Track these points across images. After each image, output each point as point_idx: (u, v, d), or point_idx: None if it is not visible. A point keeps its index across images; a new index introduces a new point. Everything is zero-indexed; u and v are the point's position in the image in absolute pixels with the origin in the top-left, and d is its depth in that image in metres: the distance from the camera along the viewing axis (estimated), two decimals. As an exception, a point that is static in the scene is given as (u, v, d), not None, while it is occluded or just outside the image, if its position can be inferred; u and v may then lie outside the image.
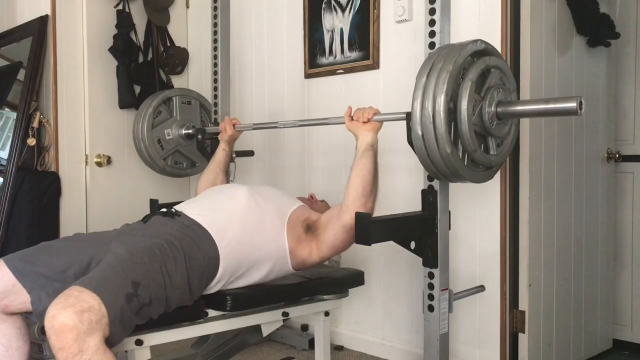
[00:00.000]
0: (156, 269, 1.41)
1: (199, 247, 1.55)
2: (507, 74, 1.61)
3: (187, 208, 1.70)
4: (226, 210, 1.67)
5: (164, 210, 1.68)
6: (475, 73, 1.48)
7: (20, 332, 1.50)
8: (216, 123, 2.58)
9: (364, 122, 1.70)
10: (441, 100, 1.42)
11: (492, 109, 1.52)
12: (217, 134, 2.31)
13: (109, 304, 1.26)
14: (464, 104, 1.45)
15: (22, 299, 1.46)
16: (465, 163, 1.52)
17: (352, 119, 1.74)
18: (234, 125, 2.24)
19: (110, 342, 1.27)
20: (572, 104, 1.37)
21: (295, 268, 1.71)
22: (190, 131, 2.64)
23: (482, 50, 1.55)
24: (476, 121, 1.50)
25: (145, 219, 1.70)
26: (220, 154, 2.24)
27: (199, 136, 2.51)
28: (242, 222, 1.64)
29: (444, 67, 1.45)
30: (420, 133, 1.47)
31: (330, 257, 1.70)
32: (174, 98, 2.68)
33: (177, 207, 1.71)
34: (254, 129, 2.30)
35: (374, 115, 1.70)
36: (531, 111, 1.57)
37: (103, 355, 1.22)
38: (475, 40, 1.53)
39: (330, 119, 1.95)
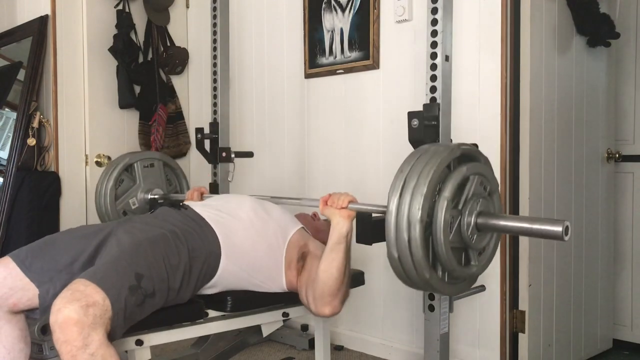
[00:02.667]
0: (159, 261, 1.42)
1: (203, 241, 1.56)
2: (488, 176, 1.48)
3: (195, 205, 1.71)
4: (232, 215, 1.68)
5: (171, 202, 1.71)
6: (451, 190, 1.36)
7: (22, 334, 1.50)
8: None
9: (340, 209, 1.59)
10: (417, 227, 1.31)
11: (472, 219, 1.40)
12: (182, 200, 2.17)
13: (113, 298, 1.27)
14: (439, 225, 1.34)
15: (29, 295, 1.47)
16: (446, 280, 1.44)
17: (327, 204, 1.62)
18: (202, 194, 2.14)
19: (111, 335, 1.28)
20: (558, 228, 1.25)
21: (289, 288, 1.70)
22: (156, 196, 2.44)
23: (459, 157, 1.43)
24: (454, 239, 1.39)
25: (152, 210, 1.72)
26: None
27: (198, 135, 2.51)
28: (245, 229, 1.65)
29: (417, 188, 1.33)
30: (396, 255, 1.36)
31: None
32: (135, 164, 2.44)
33: (186, 203, 1.74)
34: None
35: (350, 203, 1.58)
36: (513, 229, 1.44)
37: (106, 350, 1.23)
38: (453, 149, 1.41)
39: (304, 200, 1.83)
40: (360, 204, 1.60)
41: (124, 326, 1.32)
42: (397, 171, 1.39)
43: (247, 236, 1.64)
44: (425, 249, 1.34)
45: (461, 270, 1.43)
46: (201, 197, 2.13)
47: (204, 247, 1.55)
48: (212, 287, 1.60)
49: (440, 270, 1.41)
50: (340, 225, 1.57)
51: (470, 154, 1.46)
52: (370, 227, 1.47)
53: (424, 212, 1.31)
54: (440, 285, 1.41)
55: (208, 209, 1.69)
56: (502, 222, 1.41)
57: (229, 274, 1.60)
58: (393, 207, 1.34)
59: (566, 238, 1.26)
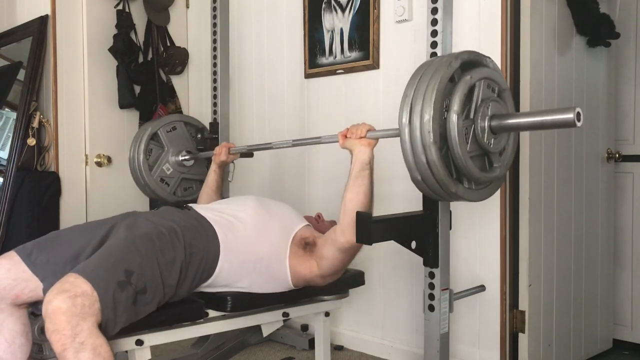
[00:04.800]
0: (151, 258, 1.44)
1: (202, 237, 1.57)
2: (495, 77, 1.48)
3: (197, 207, 1.74)
4: (233, 215, 1.69)
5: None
6: (459, 103, 1.36)
7: (25, 329, 1.52)
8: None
9: (359, 138, 1.63)
10: (432, 149, 1.32)
11: (485, 124, 1.41)
12: (210, 157, 2.31)
13: (101, 291, 1.29)
14: (454, 140, 1.34)
15: (32, 286, 1.49)
16: (474, 188, 1.45)
17: (346, 137, 1.67)
18: (229, 148, 2.21)
19: (104, 329, 1.30)
20: (569, 115, 1.28)
21: (295, 285, 1.70)
22: (187, 157, 2.52)
23: (462, 66, 1.40)
24: (472, 148, 1.40)
25: (156, 208, 1.76)
26: (212, 176, 2.23)
27: (199, 135, 2.52)
28: (246, 229, 1.66)
29: (425, 110, 1.33)
30: (419, 177, 1.38)
31: (331, 275, 1.68)
32: (158, 131, 2.50)
33: (189, 205, 1.76)
34: (249, 150, 2.28)
35: (368, 131, 1.63)
36: (526, 124, 1.45)
37: (96, 339, 1.25)
38: (450, 62, 1.40)
39: (323, 138, 1.87)
40: (378, 130, 1.63)
41: (116, 321, 1.33)
42: (402, 95, 1.40)
43: (248, 236, 1.64)
44: (446, 167, 1.35)
45: (486, 176, 1.45)
46: (229, 152, 2.19)
47: (203, 243, 1.56)
48: (211, 286, 1.61)
49: (465, 182, 1.42)
50: (362, 153, 1.61)
51: (472, 61, 1.45)
52: (370, 227, 1.47)
53: (436, 135, 1.32)
54: (468, 194, 1.43)
55: (210, 210, 1.71)
56: (515, 120, 1.42)
57: (228, 273, 1.60)
58: (406, 136, 1.36)
59: (578, 124, 1.28)
